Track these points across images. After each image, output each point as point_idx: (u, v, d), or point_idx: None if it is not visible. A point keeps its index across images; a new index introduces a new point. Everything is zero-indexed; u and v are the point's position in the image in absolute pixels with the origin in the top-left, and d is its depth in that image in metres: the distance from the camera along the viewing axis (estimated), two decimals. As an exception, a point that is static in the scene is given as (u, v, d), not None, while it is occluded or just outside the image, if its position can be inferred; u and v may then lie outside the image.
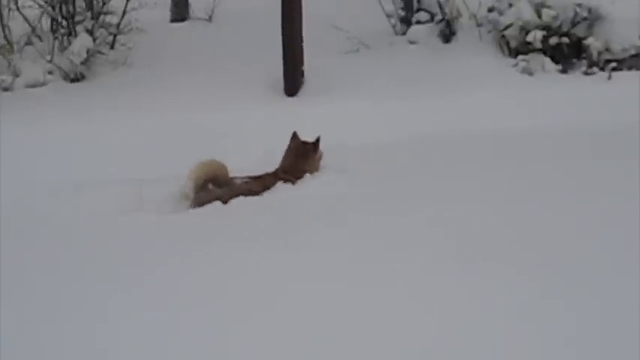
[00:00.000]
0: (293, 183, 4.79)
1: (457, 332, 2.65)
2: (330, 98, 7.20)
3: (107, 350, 2.67)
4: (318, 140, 5.02)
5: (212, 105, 7.11)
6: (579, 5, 8.10)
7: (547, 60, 8.06)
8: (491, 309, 2.79)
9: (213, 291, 3.06)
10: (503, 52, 8.42)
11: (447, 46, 8.69)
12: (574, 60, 8.14)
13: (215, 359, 2.59)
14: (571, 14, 8.13)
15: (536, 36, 8.05)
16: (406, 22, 9.12)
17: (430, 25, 8.86)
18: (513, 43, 8.32)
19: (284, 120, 6.22)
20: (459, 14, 8.76)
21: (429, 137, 5.77)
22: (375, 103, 6.93)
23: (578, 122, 6.18)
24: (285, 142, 5.09)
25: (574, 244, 3.36)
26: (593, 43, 8.02)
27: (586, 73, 8.01)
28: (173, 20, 10.47)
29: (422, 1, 9.01)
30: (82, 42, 8.32)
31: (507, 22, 8.33)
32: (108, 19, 8.90)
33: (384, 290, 2.98)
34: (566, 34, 8.13)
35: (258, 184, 4.73)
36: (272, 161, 4.97)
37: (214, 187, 4.65)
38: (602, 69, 7.99)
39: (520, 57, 8.14)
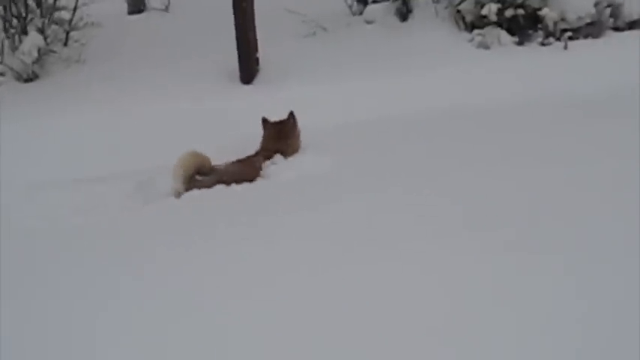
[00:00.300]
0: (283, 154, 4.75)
1: (453, 309, 2.59)
2: (287, 84, 7.15)
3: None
4: (292, 114, 4.90)
5: (168, 98, 7.00)
6: (533, -24, 8.12)
7: (503, 33, 8.05)
8: (484, 285, 2.73)
9: (197, 285, 2.97)
10: (459, 27, 8.39)
11: (404, 24, 8.63)
12: (530, 31, 8.13)
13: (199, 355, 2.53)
14: (525, -15, 8.15)
15: (491, 9, 8.04)
16: (362, 1, 9.06)
17: (387, 3, 8.81)
18: (469, 18, 8.30)
19: (239, 109, 6.20)
20: (415, -9, 8.74)
21: (389, 117, 5.79)
22: (333, 86, 6.88)
23: (536, 94, 6.21)
24: (242, 131, 5.04)
25: (554, 210, 3.38)
26: (548, 13, 8.02)
27: (542, 44, 8.02)
28: (130, 12, 10.35)
29: (377, -20, 8.97)
30: (32, 41, 8.15)
31: (462, -3, 8.32)
32: (61, 15, 8.73)
33: (373, 268, 2.94)
34: (521, 6, 8.12)
35: (245, 165, 4.66)
36: (233, 150, 4.92)
37: (201, 176, 4.58)
38: (558, 39, 8.00)
39: (476, 31, 8.13)
